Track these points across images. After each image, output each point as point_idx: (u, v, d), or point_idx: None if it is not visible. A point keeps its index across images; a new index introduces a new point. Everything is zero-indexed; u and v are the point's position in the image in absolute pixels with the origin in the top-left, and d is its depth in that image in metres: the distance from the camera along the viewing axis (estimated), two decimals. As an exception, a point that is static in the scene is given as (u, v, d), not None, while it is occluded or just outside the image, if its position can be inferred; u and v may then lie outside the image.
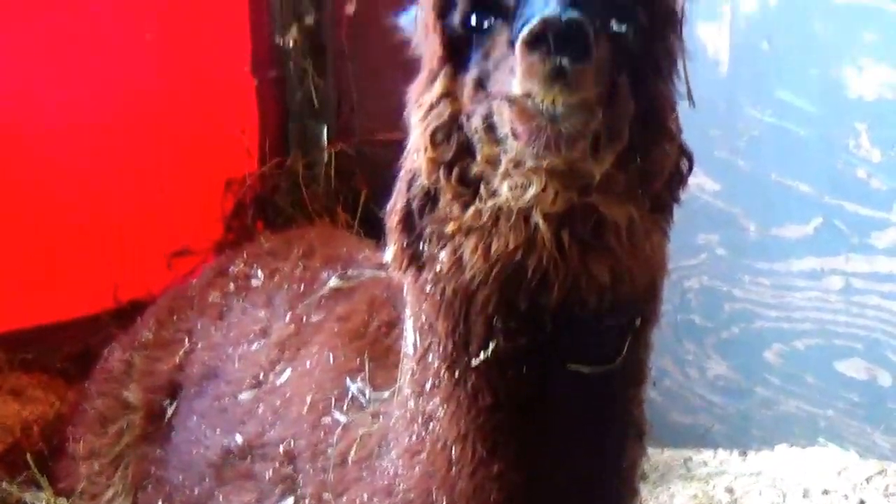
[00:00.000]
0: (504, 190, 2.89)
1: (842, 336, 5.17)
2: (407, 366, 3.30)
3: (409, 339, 3.25)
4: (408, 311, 3.26)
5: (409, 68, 3.23)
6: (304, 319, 4.41)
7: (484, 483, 3.14)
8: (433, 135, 2.99)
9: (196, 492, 4.37)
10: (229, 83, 6.57)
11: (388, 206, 3.21)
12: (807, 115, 5.13)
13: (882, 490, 5.01)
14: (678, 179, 3.11)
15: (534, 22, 2.63)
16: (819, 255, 5.19)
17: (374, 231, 3.24)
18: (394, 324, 3.94)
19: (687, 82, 3.13)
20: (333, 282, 4.47)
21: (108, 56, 6.13)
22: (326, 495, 3.73)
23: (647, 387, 3.30)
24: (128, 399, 4.90)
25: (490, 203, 2.92)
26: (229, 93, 6.57)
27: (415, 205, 3.09)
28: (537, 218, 2.88)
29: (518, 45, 2.66)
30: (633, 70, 2.89)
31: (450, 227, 2.99)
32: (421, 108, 3.06)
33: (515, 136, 2.79)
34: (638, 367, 3.19)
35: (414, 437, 3.28)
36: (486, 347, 3.00)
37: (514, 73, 2.71)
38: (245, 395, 4.32)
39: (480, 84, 2.92)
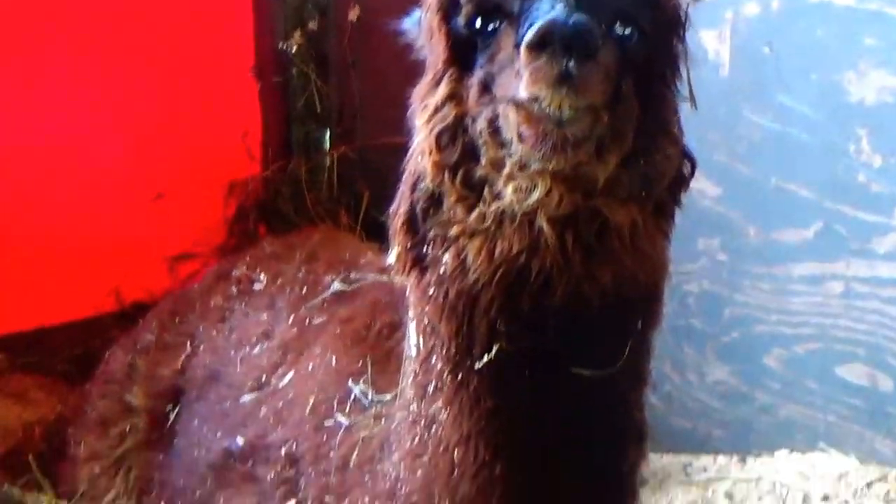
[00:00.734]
0: (508, 193, 2.89)
1: (842, 341, 5.17)
2: (409, 368, 3.29)
3: (412, 341, 3.25)
4: (410, 314, 3.25)
5: (412, 73, 3.23)
6: (307, 322, 4.42)
7: (486, 486, 3.13)
8: (438, 137, 2.99)
9: (197, 494, 4.36)
10: (232, 87, 6.57)
11: (392, 209, 3.21)
12: (807, 120, 5.13)
13: (883, 496, 5.01)
14: (680, 182, 3.11)
15: (540, 24, 2.62)
16: (819, 259, 5.19)
17: (376, 235, 3.25)
18: (396, 327, 3.94)
19: (689, 85, 3.14)
20: (336, 285, 4.48)
21: (112, 59, 6.13)
22: (328, 498, 3.73)
23: (648, 390, 3.30)
24: (130, 402, 4.90)
25: (494, 206, 2.92)
26: (232, 97, 6.57)
27: (419, 207, 3.08)
28: (541, 221, 2.88)
29: (523, 47, 2.65)
30: (636, 74, 2.89)
31: (454, 230, 2.99)
32: (426, 110, 3.05)
33: (521, 139, 2.79)
34: (639, 369, 3.19)
35: (416, 440, 3.27)
36: (489, 350, 2.99)
37: (520, 77, 2.70)
38: (247, 398, 4.32)
39: (486, 87, 2.91)
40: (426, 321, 3.14)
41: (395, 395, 3.55)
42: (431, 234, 3.05)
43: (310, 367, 4.17)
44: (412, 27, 3.37)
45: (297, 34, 6.70)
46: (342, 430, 3.78)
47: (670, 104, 3.07)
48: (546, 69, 2.63)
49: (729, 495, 5.20)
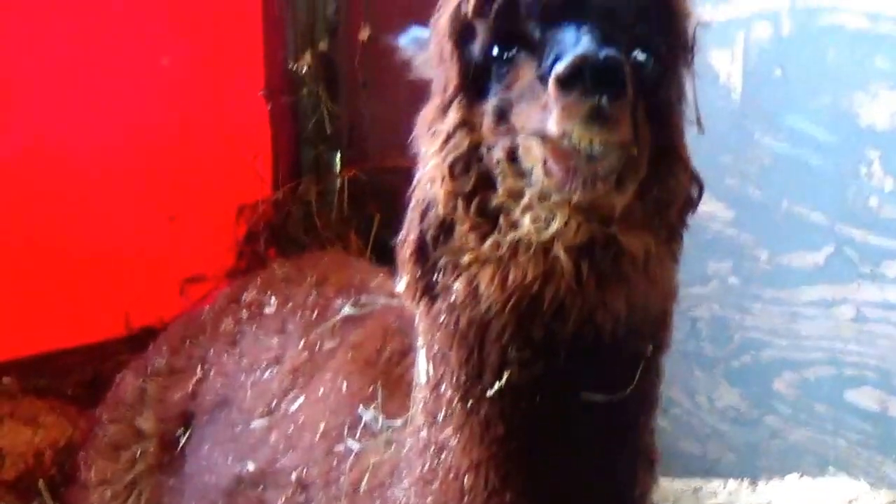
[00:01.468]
0: (526, 223, 2.88)
1: (853, 365, 5.15)
2: (419, 395, 3.28)
3: (422, 368, 3.24)
4: (420, 342, 3.25)
5: (422, 94, 3.22)
6: (317, 347, 4.42)
7: (496, 513, 3.13)
8: (452, 166, 2.97)
9: (208, 519, 4.38)
10: (243, 108, 6.60)
11: (400, 237, 3.20)
12: (819, 143, 5.12)
13: (893, 520, 5.00)
14: (689, 205, 3.11)
15: (570, 59, 2.61)
16: (830, 283, 5.17)
17: (386, 257, 3.25)
18: (406, 352, 3.94)
19: (696, 108, 3.14)
20: (346, 309, 4.48)
21: (124, 80, 6.17)
22: (339, 523, 3.73)
23: (658, 414, 3.29)
24: (141, 427, 4.91)
25: (511, 235, 2.91)
26: (243, 118, 6.60)
27: (429, 235, 3.07)
28: (559, 250, 2.87)
29: (552, 81, 2.63)
30: (647, 98, 2.88)
31: (466, 258, 2.98)
32: (435, 137, 3.04)
33: (548, 173, 2.77)
34: (649, 393, 3.18)
35: (426, 466, 3.26)
36: (500, 377, 2.99)
37: (548, 111, 2.68)
38: (257, 423, 4.32)
39: (502, 115, 2.90)
40: (436, 348, 3.13)
41: (406, 421, 3.54)
42: (442, 261, 3.04)
43: (320, 392, 4.17)
44: (411, 45, 3.38)
45: (308, 55, 6.74)
46: (352, 456, 3.78)
47: (679, 128, 3.07)
48: (578, 106, 2.61)
49: (739, 519, 5.20)
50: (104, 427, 5.02)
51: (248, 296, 4.97)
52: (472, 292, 2.97)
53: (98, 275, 6.15)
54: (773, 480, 5.44)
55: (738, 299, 5.50)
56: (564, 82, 2.61)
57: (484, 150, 2.94)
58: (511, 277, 2.91)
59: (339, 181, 6.78)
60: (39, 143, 5.99)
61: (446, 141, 3.00)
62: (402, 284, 3.19)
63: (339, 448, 3.86)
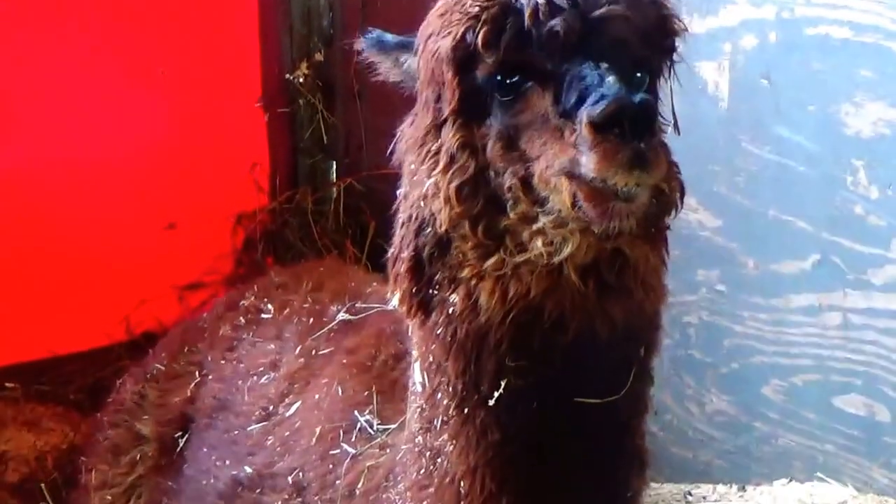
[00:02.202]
0: (538, 246, 2.90)
1: (840, 372, 5.17)
2: (415, 403, 3.33)
3: (417, 378, 3.28)
4: (414, 353, 3.29)
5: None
6: (313, 352, 4.46)
7: (492, 518, 3.17)
8: (459, 190, 2.98)
9: (206, 522, 4.42)
10: (240, 118, 6.63)
11: (392, 254, 3.22)
12: (805, 152, 5.13)
13: (880, 525, 5.03)
14: (675, 211, 3.14)
15: (606, 105, 2.64)
16: (817, 291, 5.19)
17: (381, 265, 3.29)
18: (401, 356, 3.98)
19: (673, 111, 3.18)
20: (342, 315, 4.52)
21: (122, 90, 6.20)
22: (335, 526, 3.77)
23: (649, 417, 3.34)
24: (140, 431, 4.94)
25: (520, 257, 2.93)
26: (240, 128, 6.63)
27: (425, 252, 3.09)
28: (568, 269, 2.92)
29: (587, 126, 2.66)
30: None
31: (465, 272, 3.01)
32: (432, 157, 3.06)
33: (578, 209, 2.79)
34: (640, 396, 3.23)
35: (422, 471, 3.31)
36: (497, 386, 3.03)
37: (578, 152, 2.71)
38: (254, 427, 4.36)
39: (510, 142, 2.91)
40: (431, 359, 3.17)
41: (401, 425, 3.59)
42: (438, 276, 3.07)
43: (316, 397, 4.21)
44: (372, 49, 3.40)
45: (304, 65, 6.76)
46: (348, 459, 3.82)
47: (663, 138, 3.08)
48: (619, 151, 2.65)
49: (729, 523, 5.23)
50: (105, 431, 5.07)
51: (246, 302, 5.02)
52: (472, 305, 3.01)
53: (99, 282, 6.19)
54: (762, 485, 5.45)
55: (726, 306, 5.50)
56: (601, 126, 2.64)
57: (491, 174, 2.95)
58: (512, 291, 2.95)
59: (335, 190, 6.81)
60: (41, 153, 6.02)
61: (450, 163, 3.01)
62: (396, 300, 3.22)
63: (335, 452, 3.90)
